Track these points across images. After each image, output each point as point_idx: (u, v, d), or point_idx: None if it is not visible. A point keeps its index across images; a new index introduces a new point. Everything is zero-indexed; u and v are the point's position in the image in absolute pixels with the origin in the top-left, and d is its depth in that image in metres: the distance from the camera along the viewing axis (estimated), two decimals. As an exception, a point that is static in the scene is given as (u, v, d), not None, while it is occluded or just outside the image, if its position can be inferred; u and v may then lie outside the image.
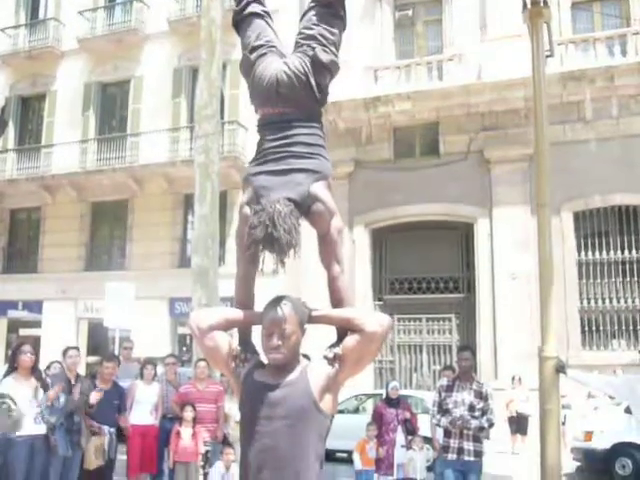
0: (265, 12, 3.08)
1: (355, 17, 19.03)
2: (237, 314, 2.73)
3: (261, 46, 2.96)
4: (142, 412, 8.49)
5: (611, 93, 16.51)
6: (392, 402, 8.70)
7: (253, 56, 2.94)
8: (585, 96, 16.60)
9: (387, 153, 18.39)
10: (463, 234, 17.71)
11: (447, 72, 17.88)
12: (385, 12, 19.16)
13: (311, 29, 2.95)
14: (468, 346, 9.17)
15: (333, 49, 2.96)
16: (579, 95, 16.60)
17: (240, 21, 3.08)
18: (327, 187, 2.76)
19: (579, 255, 16.46)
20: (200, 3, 18.98)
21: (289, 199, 2.64)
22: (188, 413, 8.02)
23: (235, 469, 8.08)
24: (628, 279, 16.15)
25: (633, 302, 16.05)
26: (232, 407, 8.73)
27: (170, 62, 21.13)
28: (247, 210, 2.75)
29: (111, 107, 22.44)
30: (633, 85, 16.22)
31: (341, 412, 12.96)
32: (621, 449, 11.19)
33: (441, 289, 17.71)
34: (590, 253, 16.49)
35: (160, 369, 9.49)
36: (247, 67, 2.98)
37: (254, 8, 3.04)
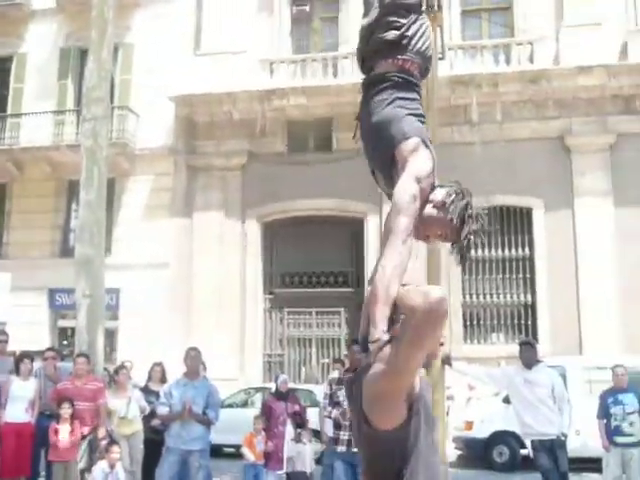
0: None
1: (253, 9, 18.90)
2: None
3: (420, 6, 2.71)
4: (17, 409, 8.06)
5: (495, 99, 17.22)
6: (281, 395, 8.68)
7: (419, 9, 2.66)
8: (472, 100, 17.24)
9: (281, 146, 18.36)
10: (354, 229, 17.97)
11: (342, 69, 18.05)
12: (283, 6, 19.09)
13: None
14: (358, 339, 9.29)
15: None
16: (466, 99, 17.21)
17: None
18: None
19: (463, 253, 17.07)
20: (90, -18, 18.19)
21: None
22: (65, 410, 7.65)
23: (120, 468, 7.80)
24: (508, 276, 16.92)
25: (512, 297, 16.85)
26: (116, 403, 8.43)
27: (57, 41, 20.10)
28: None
29: (-10, 85, 21.11)
30: (515, 92, 16.97)
31: (229, 406, 12.85)
32: (499, 437, 11.74)
33: (331, 283, 17.90)
34: (473, 251, 17.08)
35: (38, 364, 9.03)
36: (416, 6, 2.64)
37: None
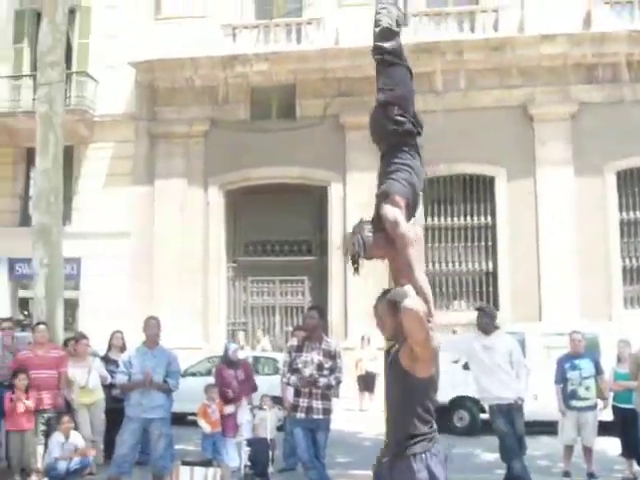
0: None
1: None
2: None
3: None
4: (-25, 379, 7.94)
5: (459, 67, 17.19)
6: (232, 364, 8.65)
7: None
8: (436, 68, 17.18)
9: (243, 113, 18.14)
10: (317, 198, 17.92)
11: (305, 35, 17.82)
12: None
13: None
14: (316, 306, 9.27)
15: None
16: (430, 67, 17.13)
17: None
18: None
19: (426, 221, 17.18)
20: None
21: None
22: (21, 381, 7.58)
23: (76, 437, 7.78)
24: (469, 244, 17.08)
25: (474, 265, 17.04)
26: (76, 373, 8.37)
27: (11, 2, 19.45)
28: None
29: (-58, 49, 20.34)
30: (479, 60, 16.94)
31: (193, 375, 12.86)
32: (459, 402, 11.93)
33: (294, 252, 17.88)
34: (436, 219, 17.26)
35: (-4, 334, 8.90)
36: None
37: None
